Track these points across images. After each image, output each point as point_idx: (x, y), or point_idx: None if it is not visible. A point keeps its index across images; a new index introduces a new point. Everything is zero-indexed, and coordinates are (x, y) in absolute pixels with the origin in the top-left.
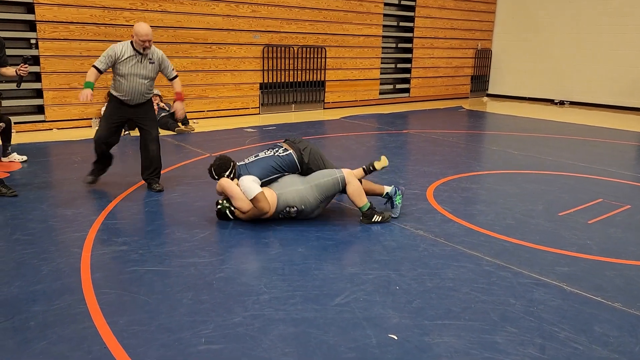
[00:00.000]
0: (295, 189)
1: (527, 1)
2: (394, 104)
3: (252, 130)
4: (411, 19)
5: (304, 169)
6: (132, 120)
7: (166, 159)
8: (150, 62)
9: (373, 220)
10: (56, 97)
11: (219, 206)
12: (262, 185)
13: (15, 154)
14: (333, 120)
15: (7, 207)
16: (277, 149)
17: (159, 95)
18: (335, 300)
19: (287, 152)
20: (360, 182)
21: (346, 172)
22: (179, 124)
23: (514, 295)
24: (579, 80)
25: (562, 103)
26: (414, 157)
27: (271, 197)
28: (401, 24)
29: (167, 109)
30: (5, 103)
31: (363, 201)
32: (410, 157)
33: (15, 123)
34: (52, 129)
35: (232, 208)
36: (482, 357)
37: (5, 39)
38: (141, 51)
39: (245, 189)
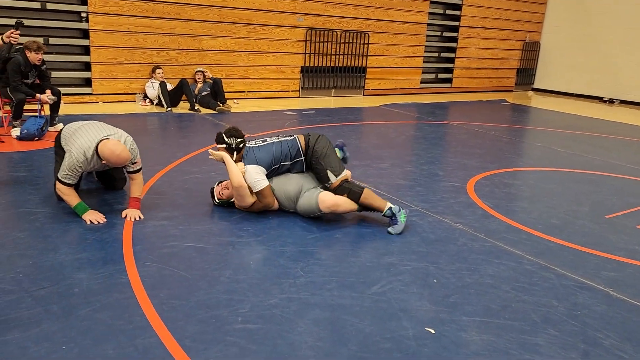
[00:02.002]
0: (286, 197)
1: None
2: (435, 93)
3: (292, 113)
4: (458, 7)
5: (309, 158)
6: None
7: (205, 138)
8: None
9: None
10: (103, 71)
11: (216, 202)
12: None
13: (61, 124)
14: (372, 107)
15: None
16: (285, 136)
17: (203, 72)
18: (372, 288)
19: (292, 137)
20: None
21: (322, 197)
22: (219, 103)
23: (557, 297)
24: (631, 78)
25: (611, 101)
26: (454, 149)
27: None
28: (447, 11)
29: (210, 87)
30: (54, 74)
31: (353, 207)
32: (450, 149)
33: (63, 94)
34: (98, 102)
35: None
36: (522, 358)
37: (56, 11)
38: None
39: (252, 181)
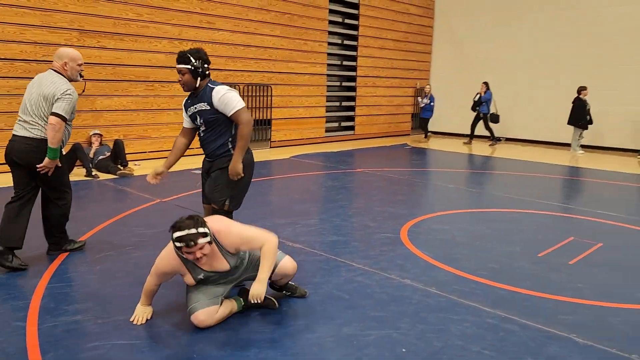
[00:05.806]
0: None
1: (462, 43)
2: (339, 141)
3: (199, 172)
4: (354, 59)
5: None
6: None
7: (113, 206)
8: None
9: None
10: None
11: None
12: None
13: None
14: (283, 159)
15: None
16: None
17: (100, 134)
18: None
19: None
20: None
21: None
22: (120, 167)
23: (529, 352)
24: (515, 118)
25: (498, 139)
26: (376, 197)
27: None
28: (344, 63)
29: (108, 150)
30: None
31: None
32: (373, 198)
33: None
34: None
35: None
36: None
37: None
38: (79, 79)
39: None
